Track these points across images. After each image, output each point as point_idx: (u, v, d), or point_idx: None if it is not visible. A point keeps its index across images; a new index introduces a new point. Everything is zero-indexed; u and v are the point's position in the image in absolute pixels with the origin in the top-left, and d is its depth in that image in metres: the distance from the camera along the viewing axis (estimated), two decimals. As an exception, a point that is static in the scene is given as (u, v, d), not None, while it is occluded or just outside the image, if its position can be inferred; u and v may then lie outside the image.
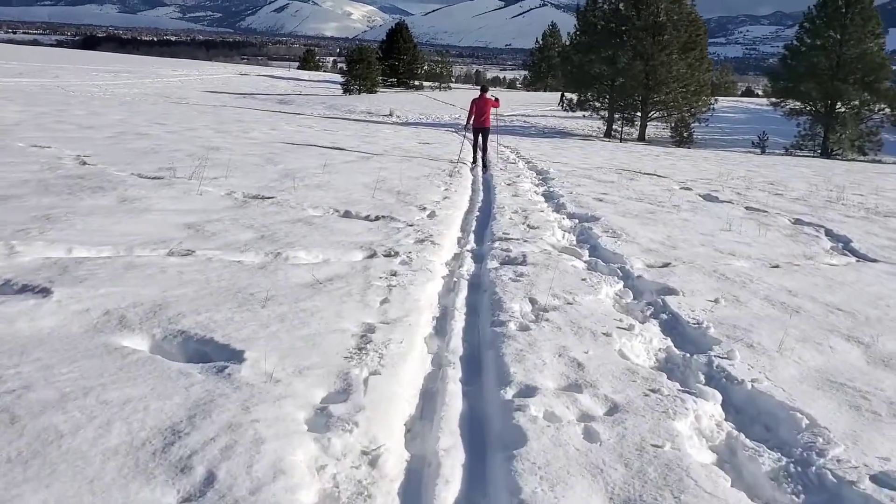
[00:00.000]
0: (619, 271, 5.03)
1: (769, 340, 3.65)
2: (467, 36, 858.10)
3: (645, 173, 12.97)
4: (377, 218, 6.03)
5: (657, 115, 40.44)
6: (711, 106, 40.06)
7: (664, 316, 4.04)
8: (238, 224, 5.30)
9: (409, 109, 50.83)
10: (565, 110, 42.15)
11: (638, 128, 39.75)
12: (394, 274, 4.29)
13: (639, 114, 39.53)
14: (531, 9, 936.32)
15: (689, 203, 9.23)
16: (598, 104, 41.01)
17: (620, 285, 4.67)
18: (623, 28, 38.88)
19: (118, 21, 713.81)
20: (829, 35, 34.09)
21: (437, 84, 76.76)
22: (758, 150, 34.60)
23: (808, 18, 34.84)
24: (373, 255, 4.79)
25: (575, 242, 6.18)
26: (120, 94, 50.33)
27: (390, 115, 47.21)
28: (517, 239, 5.79)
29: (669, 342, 3.61)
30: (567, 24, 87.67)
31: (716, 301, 4.37)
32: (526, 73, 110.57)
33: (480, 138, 12.74)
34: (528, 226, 6.41)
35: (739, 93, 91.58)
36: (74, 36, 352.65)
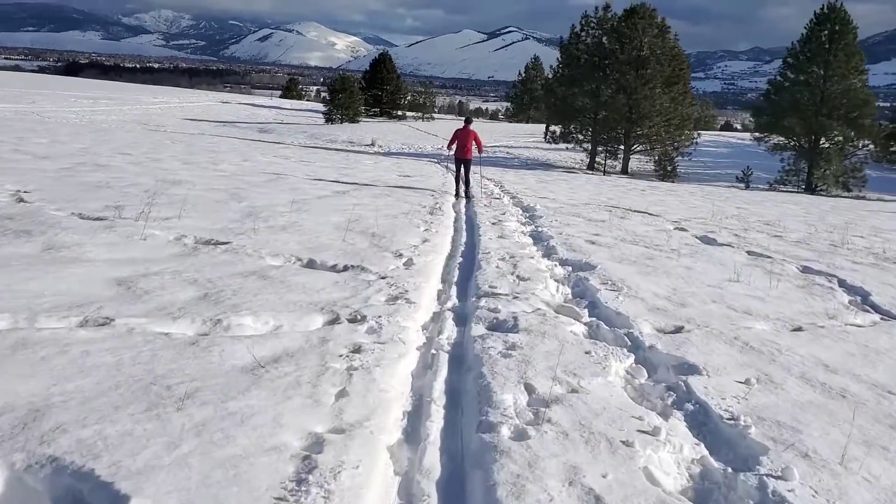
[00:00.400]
0: (626, 339, 4.29)
1: (825, 445, 2.91)
2: (450, 67, 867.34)
3: (636, 211, 12.33)
4: (346, 268, 5.26)
5: (640, 148, 40.23)
6: (695, 140, 39.92)
7: (690, 406, 3.29)
8: (179, 279, 4.51)
9: (391, 139, 50.36)
10: (549, 142, 41.82)
11: (621, 161, 39.47)
12: (357, 350, 3.52)
13: (622, 147, 39.29)
14: (513, 42, 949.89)
15: (687, 247, 8.56)
16: (581, 137, 40.75)
17: (631, 360, 3.92)
18: (606, 62, 38.79)
19: (101, 48, 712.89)
20: (813, 70, 34.13)
21: (419, 114, 76.60)
22: (742, 185, 34.36)
23: (791, 54, 34.90)
24: (335, 321, 4.01)
25: (571, 297, 5.44)
26: (97, 120, 49.41)
27: (372, 145, 46.67)
28: (506, 295, 5.03)
29: (703, 449, 2.86)
30: (549, 57, 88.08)
31: (747, 383, 3.62)
32: (508, 104, 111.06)
33: (463, 169, 12.70)
34: (517, 276, 5.66)
35: (719, 127, 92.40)
36: (57, 62, 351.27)
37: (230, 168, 12.60)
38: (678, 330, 4.59)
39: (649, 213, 12.04)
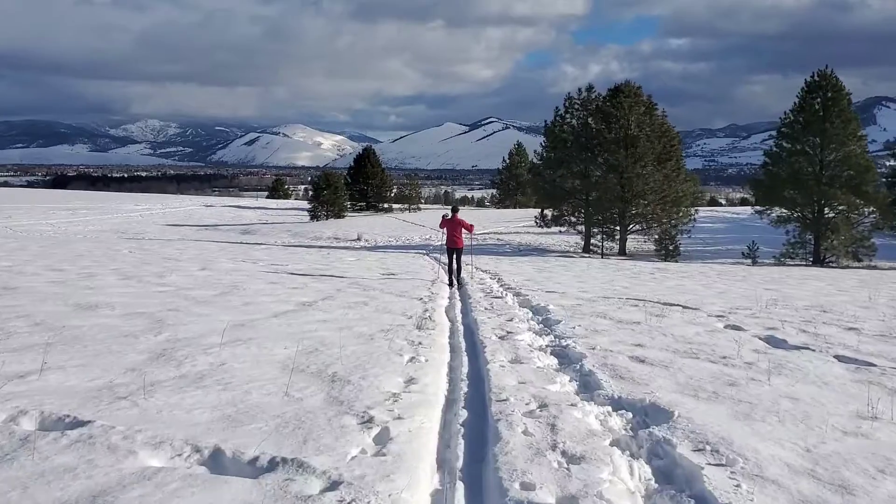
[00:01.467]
0: None
1: None
2: (434, 159, 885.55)
3: (665, 304, 10.24)
4: (271, 466, 3.06)
5: (637, 228, 38.68)
6: (693, 217, 38.44)
7: None
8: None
9: (377, 233, 48.78)
10: (540, 226, 40.24)
11: (618, 242, 37.78)
12: None
13: (618, 228, 37.69)
14: (494, 132, 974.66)
15: (761, 356, 6.43)
16: (574, 219, 39.25)
17: None
18: (594, 142, 37.75)
19: (89, 160, 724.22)
20: (809, 139, 33.04)
21: (406, 206, 75.67)
22: (749, 261, 32.57)
23: (785, 124, 33.90)
24: None
25: (656, 486, 3.24)
26: (72, 231, 47.74)
27: (358, 239, 45.02)
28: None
29: None
30: (530, 144, 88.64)
31: None
32: (494, 191, 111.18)
33: (455, 258, 13.12)
34: (562, 453, 3.45)
35: (706, 203, 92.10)
36: (45, 176, 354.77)
37: (179, 281, 10.49)
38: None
39: (686, 307, 9.94)
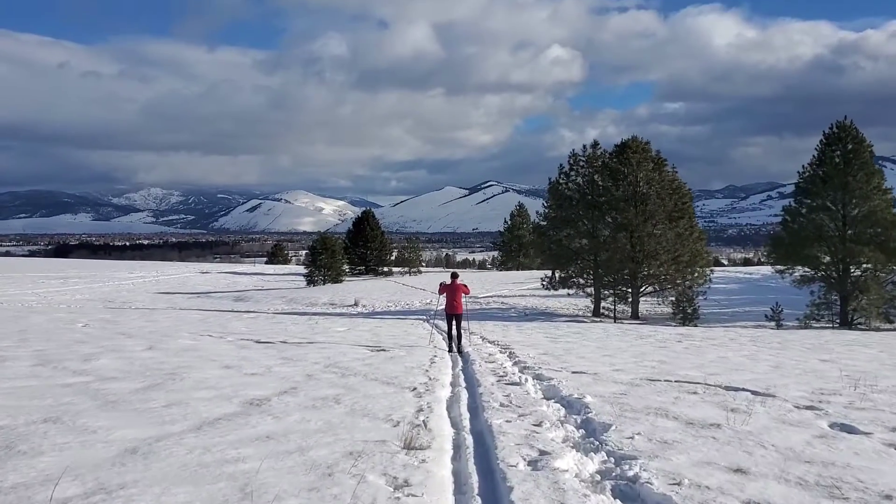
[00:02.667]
0: None
1: None
2: (435, 223, 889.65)
3: (727, 387, 7.94)
4: None
5: (650, 289, 36.45)
6: (708, 277, 36.21)
7: None
8: None
9: (376, 297, 46.52)
10: (547, 289, 38.00)
11: (630, 305, 35.43)
12: None
13: (629, 290, 35.41)
14: (494, 195, 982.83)
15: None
16: (582, 281, 37.03)
17: None
18: (602, 199, 35.89)
19: (92, 229, 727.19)
20: (830, 194, 31.10)
21: (406, 269, 73.60)
22: (772, 324, 30.21)
23: (804, 178, 32.05)
24: None
25: None
26: (58, 301, 45.54)
27: (355, 305, 42.75)
28: None
29: None
30: (530, 206, 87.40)
31: None
32: (495, 253, 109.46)
33: (454, 324, 12.86)
34: None
35: (711, 263, 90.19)
36: (47, 245, 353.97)
37: (106, 366, 8.22)
38: None
39: (755, 392, 7.64)
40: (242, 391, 6.49)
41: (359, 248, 71.59)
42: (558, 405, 6.47)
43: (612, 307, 33.81)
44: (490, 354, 11.26)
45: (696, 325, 30.02)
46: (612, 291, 34.22)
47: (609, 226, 35.97)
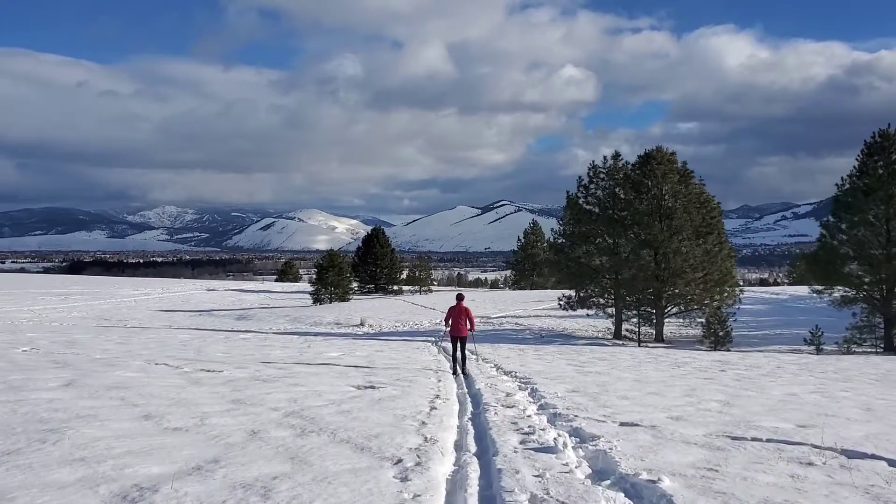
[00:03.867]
0: None
1: None
2: (447, 242, 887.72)
3: (849, 453, 5.62)
4: None
5: (675, 310, 33.97)
6: (738, 297, 33.67)
7: None
8: None
9: (383, 317, 44.24)
10: (565, 309, 35.59)
11: (654, 326, 32.93)
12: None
13: (653, 310, 32.93)
14: (506, 215, 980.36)
15: None
16: (603, 301, 34.60)
17: None
18: (624, 213, 33.56)
19: (106, 246, 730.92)
20: (873, 208, 28.62)
21: (417, 288, 71.32)
22: (810, 348, 27.69)
23: (843, 191, 29.62)
24: None
25: None
26: (52, 318, 43.67)
27: (362, 324, 40.52)
28: None
29: None
30: (543, 225, 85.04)
31: None
32: (507, 272, 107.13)
33: (459, 347, 12.87)
34: None
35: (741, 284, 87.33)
36: (62, 262, 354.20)
37: (18, 413, 6.01)
38: None
39: (879, 458, 5.32)
40: (130, 467, 4.21)
41: (368, 266, 69.46)
42: (622, 496, 4.14)
43: (637, 329, 31.31)
44: (508, 395, 8.97)
45: (728, 350, 27.53)
46: (636, 312, 31.75)
47: (632, 242, 33.62)
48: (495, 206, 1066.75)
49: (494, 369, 13.33)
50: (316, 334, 33.05)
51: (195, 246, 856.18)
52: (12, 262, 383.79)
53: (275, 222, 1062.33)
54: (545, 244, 77.69)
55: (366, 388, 8.90)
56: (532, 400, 8.64)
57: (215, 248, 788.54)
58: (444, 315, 13.44)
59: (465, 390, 9.64)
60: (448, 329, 13.09)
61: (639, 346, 29.53)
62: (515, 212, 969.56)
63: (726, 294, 33.28)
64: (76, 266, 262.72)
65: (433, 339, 27.64)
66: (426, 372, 12.20)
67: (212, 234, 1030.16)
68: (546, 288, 75.83)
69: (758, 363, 18.72)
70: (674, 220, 32.45)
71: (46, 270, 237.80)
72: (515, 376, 11.68)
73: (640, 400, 8.81)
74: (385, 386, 9.18)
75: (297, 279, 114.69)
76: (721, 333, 27.91)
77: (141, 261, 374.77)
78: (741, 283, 39.95)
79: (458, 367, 12.64)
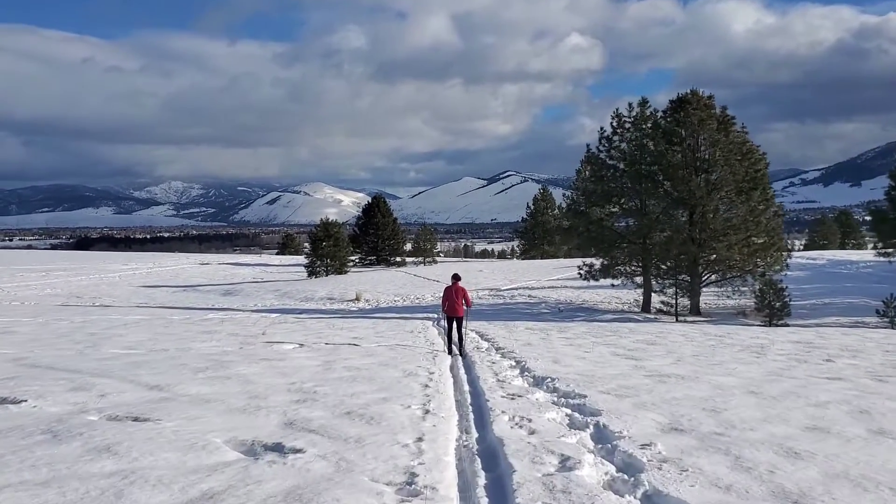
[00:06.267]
0: None
1: None
2: (453, 214, 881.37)
3: None
4: None
5: (714, 278, 29.56)
6: (785, 263, 29.16)
7: None
8: None
9: (381, 291, 40.01)
10: (585, 279, 31.17)
11: (689, 297, 28.48)
12: None
13: (687, 278, 28.47)
14: (512, 185, 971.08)
15: None
16: (630, 269, 30.18)
17: None
18: (654, 167, 28.97)
19: (113, 222, 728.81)
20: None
21: (420, 259, 66.95)
22: (885, 321, 23.28)
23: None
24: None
25: None
26: (21, 296, 39.80)
27: (357, 299, 36.30)
28: None
29: None
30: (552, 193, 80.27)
31: None
32: (514, 243, 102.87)
33: (455, 327, 12.70)
34: None
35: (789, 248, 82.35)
36: (69, 239, 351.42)
37: None
38: None
39: None
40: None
41: (369, 237, 65.05)
42: None
43: (672, 302, 26.89)
44: (536, 418, 4.65)
45: (786, 324, 23.13)
46: (671, 282, 27.30)
47: (663, 200, 29.08)
48: (501, 176, 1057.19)
49: (512, 367, 9.00)
50: (300, 312, 28.84)
51: (202, 221, 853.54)
52: (20, 239, 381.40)
53: (281, 196, 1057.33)
54: (556, 211, 73.09)
55: (350, 417, 4.54)
56: (587, 447, 4.31)
57: (222, 223, 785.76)
58: (442, 295, 13.40)
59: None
60: (444, 310, 12.96)
61: (676, 320, 25.19)
62: (521, 182, 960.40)
63: (772, 259, 28.77)
64: (83, 242, 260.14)
65: (435, 316, 23.35)
66: (413, 382, 7.80)
67: (218, 208, 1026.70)
68: (558, 257, 71.44)
69: (847, 343, 14.24)
70: (713, 174, 27.90)
71: (54, 247, 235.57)
72: (545, 384, 7.33)
73: (751, 410, 4.43)
74: (370, 413, 4.80)
75: (298, 252, 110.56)
76: (777, 305, 23.45)
77: (148, 236, 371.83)
78: (790, 247, 35.43)
79: (453, 348, 12.47)
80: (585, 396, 6.39)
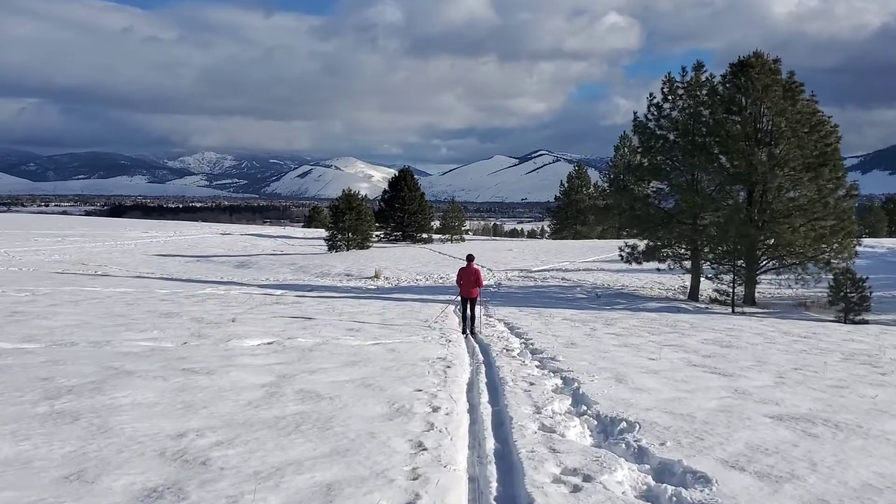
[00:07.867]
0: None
1: None
2: (484, 192, 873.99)
3: None
4: None
5: (772, 265, 26.34)
6: (854, 250, 25.75)
7: None
8: None
9: (402, 268, 37.29)
10: (627, 262, 28.11)
11: (744, 286, 25.28)
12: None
13: (742, 265, 25.25)
14: (544, 165, 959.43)
15: None
16: (678, 252, 27.06)
17: None
18: (709, 139, 25.70)
19: (147, 191, 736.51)
20: None
21: (448, 236, 64.13)
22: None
23: None
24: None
25: None
26: (27, 260, 37.95)
27: (376, 276, 33.65)
28: None
29: None
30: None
31: None
32: (544, 223, 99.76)
33: (469, 307, 13.07)
34: None
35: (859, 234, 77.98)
36: (104, 206, 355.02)
37: None
38: None
39: None
40: None
41: (395, 212, 62.26)
42: None
43: (729, 290, 23.72)
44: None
45: (866, 321, 19.93)
46: (728, 268, 24.14)
47: (719, 175, 25.82)
48: (533, 156, 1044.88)
49: (568, 402, 6.06)
50: (310, 289, 26.27)
51: (234, 192, 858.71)
52: (55, 205, 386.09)
53: (312, 170, 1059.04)
54: (591, 189, 69.56)
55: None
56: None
57: (253, 195, 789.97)
58: (457, 276, 13.69)
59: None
60: (459, 290, 13.36)
61: (732, 312, 22.09)
62: (553, 162, 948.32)
63: (840, 246, 25.38)
64: (117, 210, 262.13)
65: (456, 299, 20.57)
66: (379, 487, 4.87)
67: (250, 180, 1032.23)
68: (591, 237, 68.10)
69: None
70: (778, 148, 24.54)
71: (88, 214, 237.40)
72: (640, 453, 4.30)
73: None
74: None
75: (324, 225, 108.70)
76: (856, 298, 20.21)
77: (180, 205, 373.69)
78: (862, 233, 31.92)
79: (467, 327, 12.90)
80: (710, 482, 3.54)
